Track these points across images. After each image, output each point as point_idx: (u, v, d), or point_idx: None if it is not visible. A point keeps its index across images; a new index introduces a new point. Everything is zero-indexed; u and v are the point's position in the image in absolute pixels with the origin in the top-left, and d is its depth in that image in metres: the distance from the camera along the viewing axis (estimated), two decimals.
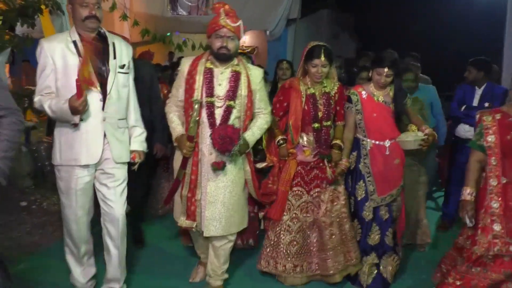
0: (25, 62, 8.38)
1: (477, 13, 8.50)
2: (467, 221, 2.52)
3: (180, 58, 4.33)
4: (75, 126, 2.52)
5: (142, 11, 7.54)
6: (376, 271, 3.12)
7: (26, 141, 5.16)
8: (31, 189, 4.42)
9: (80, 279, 2.78)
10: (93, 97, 2.53)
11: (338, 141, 3.12)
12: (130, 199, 3.13)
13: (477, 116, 2.60)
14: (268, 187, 3.08)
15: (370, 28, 10.68)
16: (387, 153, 3.07)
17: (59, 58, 2.49)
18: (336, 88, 3.11)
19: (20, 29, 4.45)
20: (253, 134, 2.81)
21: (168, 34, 7.29)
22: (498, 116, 2.52)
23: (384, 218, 3.13)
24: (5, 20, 4.35)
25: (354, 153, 3.20)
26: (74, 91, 2.37)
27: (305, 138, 3.09)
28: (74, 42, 2.53)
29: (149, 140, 3.14)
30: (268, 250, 3.12)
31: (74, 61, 2.49)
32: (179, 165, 2.81)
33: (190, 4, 7.55)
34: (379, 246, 3.14)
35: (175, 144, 2.81)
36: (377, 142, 3.09)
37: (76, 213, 2.63)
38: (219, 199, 2.77)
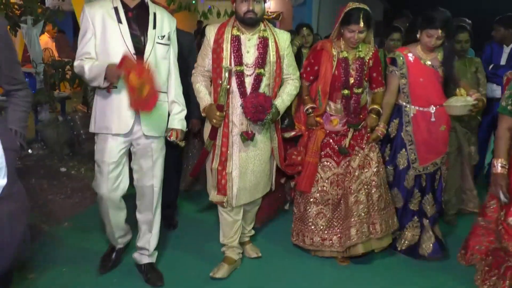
0: (60, 33, 8.32)
1: None
2: (502, 196, 2.28)
3: (205, 26, 4.19)
4: (109, 93, 2.44)
5: None
6: (432, 237, 2.94)
7: (61, 111, 5.24)
8: (69, 156, 4.48)
9: (119, 244, 2.76)
10: None
11: (376, 106, 2.91)
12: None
13: (505, 78, 2.40)
14: (293, 158, 2.94)
15: None
16: (433, 119, 2.83)
17: (99, 24, 2.39)
18: (371, 53, 2.87)
19: (50, 1, 4.45)
20: (283, 101, 2.70)
21: (194, 1, 7.16)
22: None
23: (423, 185, 2.96)
24: None
25: (396, 121, 2.98)
26: (115, 56, 2.32)
27: (332, 106, 2.89)
28: (116, 9, 2.43)
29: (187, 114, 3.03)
30: (297, 223, 3.02)
31: (113, 27, 2.40)
32: (208, 136, 2.72)
33: None
34: (420, 213, 2.98)
35: (203, 114, 2.70)
36: (421, 109, 2.85)
37: (107, 189, 2.51)
38: (249, 169, 2.70)
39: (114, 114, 2.46)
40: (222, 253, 2.87)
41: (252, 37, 2.62)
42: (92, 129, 2.55)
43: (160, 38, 2.51)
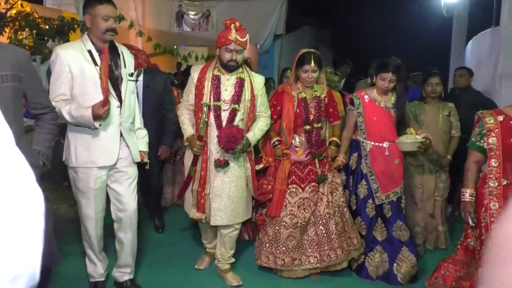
0: None
1: (432, 28, 9.02)
2: (470, 221, 2.32)
3: (189, 66, 4.57)
4: (93, 130, 2.36)
5: (152, 27, 7.78)
6: (387, 265, 2.89)
7: (60, 133, 5.48)
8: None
9: (99, 270, 2.63)
10: (112, 104, 2.39)
11: (335, 138, 3.01)
12: (147, 191, 3.20)
13: (476, 117, 2.37)
14: (264, 187, 2.93)
15: (344, 42, 11.17)
16: (387, 153, 2.91)
17: (75, 66, 2.30)
18: (325, 92, 2.97)
19: (51, 42, 4.79)
20: (254, 134, 2.76)
21: (175, 47, 7.64)
22: (500, 118, 2.26)
23: (388, 215, 2.95)
24: (45, 36, 4.74)
25: (355, 154, 3.04)
26: (92, 98, 2.28)
27: (297, 139, 2.95)
28: (90, 51, 2.35)
29: (158, 141, 3.29)
30: (267, 245, 2.94)
31: (90, 69, 2.33)
32: (190, 162, 2.77)
33: (193, 22, 7.80)
34: (387, 242, 2.94)
35: (186, 143, 2.78)
36: (376, 144, 2.93)
37: (94, 211, 2.47)
38: (225, 192, 2.73)
39: (101, 149, 2.41)
40: (204, 247, 3.10)
41: (230, 77, 2.71)
42: (73, 163, 2.41)
43: (129, 75, 2.52)
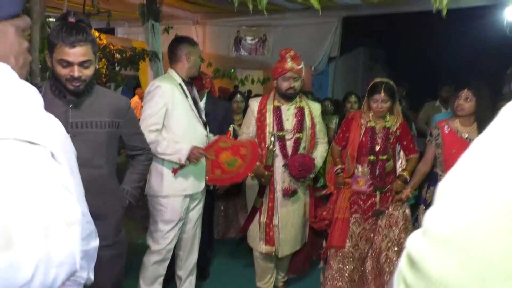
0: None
1: (494, 48, 8.72)
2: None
3: (245, 92, 4.73)
4: (174, 174, 2.49)
5: (212, 52, 8.23)
6: None
7: None
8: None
9: None
10: (202, 132, 2.58)
11: (404, 173, 2.83)
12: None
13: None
14: (319, 213, 2.89)
15: (400, 62, 11.05)
16: None
17: (172, 98, 2.44)
18: (398, 124, 2.83)
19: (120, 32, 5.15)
20: (317, 162, 2.78)
21: (233, 71, 7.99)
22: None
23: None
24: (118, 65, 5.21)
25: (432, 188, 2.83)
26: (180, 128, 2.46)
27: (360, 169, 2.84)
28: (181, 85, 2.52)
29: None
30: (330, 280, 2.81)
31: (183, 101, 2.49)
32: (254, 194, 2.77)
33: (250, 46, 8.11)
34: None
35: (251, 175, 2.74)
36: None
37: (171, 241, 2.54)
38: (289, 222, 2.75)
39: (190, 175, 2.51)
40: None
41: (290, 107, 2.77)
42: (164, 192, 2.49)
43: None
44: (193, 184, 2.54)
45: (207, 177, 2.49)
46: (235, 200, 3.96)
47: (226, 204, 4.03)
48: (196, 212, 2.68)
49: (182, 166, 2.46)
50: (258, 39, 8.04)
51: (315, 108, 2.88)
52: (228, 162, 2.45)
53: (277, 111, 2.74)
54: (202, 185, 2.60)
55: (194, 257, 2.75)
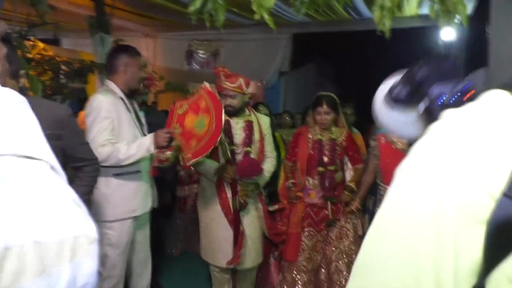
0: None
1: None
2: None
3: None
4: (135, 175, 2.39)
5: (163, 65, 8.16)
6: None
7: None
8: None
9: None
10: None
11: (351, 184, 2.94)
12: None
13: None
14: (278, 227, 2.93)
15: (347, 78, 11.53)
16: None
17: (117, 112, 2.34)
18: (344, 136, 2.95)
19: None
20: (263, 176, 2.77)
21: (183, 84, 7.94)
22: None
23: None
24: (65, 77, 5.04)
25: (374, 197, 2.98)
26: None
27: (310, 181, 2.93)
28: (122, 99, 2.42)
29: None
30: None
31: (127, 115, 2.40)
32: (207, 210, 2.74)
33: (202, 60, 8.12)
34: None
35: (214, 177, 2.68)
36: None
37: (124, 265, 2.46)
38: (246, 235, 2.72)
39: (138, 196, 2.43)
40: None
41: (239, 121, 2.78)
42: (111, 217, 2.36)
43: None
44: (141, 204, 2.45)
45: (188, 155, 2.22)
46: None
47: (187, 219, 4.09)
48: (144, 232, 2.62)
49: (160, 162, 2.32)
50: (210, 53, 8.08)
51: (264, 121, 2.89)
52: (196, 125, 2.24)
53: (227, 125, 2.71)
54: (149, 205, 2.53)
55: (147, 277, 2.70)
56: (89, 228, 0.57)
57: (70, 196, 0.57)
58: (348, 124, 3.66)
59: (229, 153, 2.68)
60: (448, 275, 0.45)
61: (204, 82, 2.51)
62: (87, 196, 2.07)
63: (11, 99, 0.60)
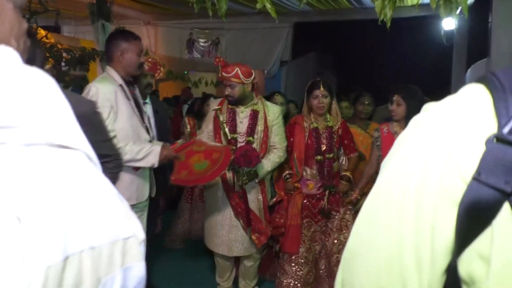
0: None
1: (434, 56, 9.32)
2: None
3: (205, 94, 4.76)
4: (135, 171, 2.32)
5: (164, 54, 8.15)
6: None
7: None
8: None
9: None
10: (145, 138, 2.37)
11: (347, 173, 2.89)
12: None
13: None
14: (276, 221, 2.86)
15: (347, 67, 11.53)
16: None
17: (115, 100, 2.22)
18: (339, 123, 2.91)
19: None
20: (262, 166, 2.68)
21: (186, 72, 7.95)
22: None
23: None
24: (67, 65, 5.05)
25: None
26: (123, 132, 2.22)
27: (308, 172, 2.87)
28: (121, 86, 2.30)
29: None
30: (289, 282, 2.80)
31: (126, 103, 2.28)
32: (214, 200, 2.75)
33: (203, 49, 8.09)
34: None
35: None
36: None
37: None
38: (240, 223, 2.72)
39: (134, 184, 2.36)
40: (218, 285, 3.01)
41: (245, 109, 2.74)
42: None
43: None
44: (137, 193, 2.37)
45: (172, 177, 2.37)
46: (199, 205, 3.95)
47: (193, 208, 4.04)
48: (141, 222, 2.60)
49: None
50: (211, 42, 8.06)
51: (272, 112, 2.79)
52: (197, 164, 2.36)
53: (231, 113, 2.73)
54: (146, 194, 2.43)
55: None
56: (137, 227, 0.51)
57: (113, 191, 0.51)
58: (344, 117, 3.64)
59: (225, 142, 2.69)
60: (426, 253, 0.50)
61: (232, 147, 2.65)
62: None
63: (41, 80, 0.50)
